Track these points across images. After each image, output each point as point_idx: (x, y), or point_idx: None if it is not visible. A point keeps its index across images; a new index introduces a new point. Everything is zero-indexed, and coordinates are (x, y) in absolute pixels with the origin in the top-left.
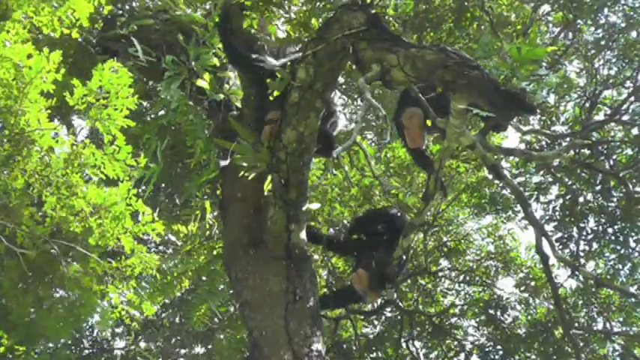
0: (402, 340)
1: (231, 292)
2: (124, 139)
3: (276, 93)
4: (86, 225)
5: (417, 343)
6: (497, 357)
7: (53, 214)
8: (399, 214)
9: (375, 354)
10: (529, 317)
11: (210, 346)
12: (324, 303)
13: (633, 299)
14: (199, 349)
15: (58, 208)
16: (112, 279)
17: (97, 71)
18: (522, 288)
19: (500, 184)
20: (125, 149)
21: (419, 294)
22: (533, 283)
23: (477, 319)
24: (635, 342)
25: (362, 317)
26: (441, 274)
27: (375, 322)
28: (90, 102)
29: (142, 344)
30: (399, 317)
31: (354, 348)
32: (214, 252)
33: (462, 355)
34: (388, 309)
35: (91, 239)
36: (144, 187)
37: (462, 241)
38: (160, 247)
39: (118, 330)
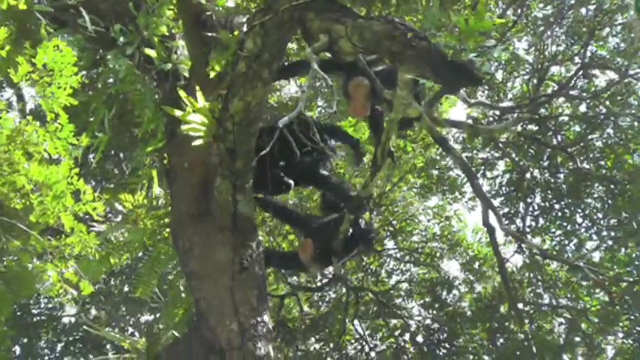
0: (347, 319)
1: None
2: (67, 117)
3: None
4: (27, 202)
5: (363, 324)
6: (442, 337)
7: None
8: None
9: (320, 334)
10: (474, 296)
11: (158, 315)
12: (268, 258)
13: (580, 274)
14: (147, 317)
15: (0, 185)
16: (52, 257)
17: (41, 49)
18: (467, 269)
19: (448, 165)
20: (67, 127)
21: (364, 274)
22: (477, 266)
23: (423, 300)
24: (582, 316)
25: (307, 296)
26: (386, 253)
27: (320, 303)
28: (34, 79)
29: (93, 312)
30: (344, 297)
31: (299, 327)
32: (161, 222)
33: (407, 335)
34: (333, 288)
35: (32, 216)
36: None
37: (408, 221)
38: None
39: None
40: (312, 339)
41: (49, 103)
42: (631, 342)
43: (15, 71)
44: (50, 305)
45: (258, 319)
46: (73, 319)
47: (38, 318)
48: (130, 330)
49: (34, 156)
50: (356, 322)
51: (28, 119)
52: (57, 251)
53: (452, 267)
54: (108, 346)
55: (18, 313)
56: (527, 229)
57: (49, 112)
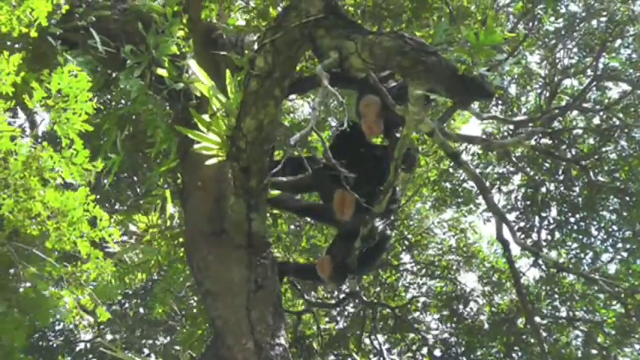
0: (365, 334)
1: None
2: (82, 142)
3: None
4: (43, 228)
5: (380, 338)
6: (460, 351)
7: (10, 216)
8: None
9: (337, 350)
10: (492, 309)
11: (174, 336)
12: (283, 269)
13: (595, 287)
14: (163, 340)
15: (16, 211)
16: (68, 284)
17: (56, 74)
18: (485, 281)
19: (461, 177)
20: (82, 153)
21: (381, 288)
22: (495, 277)
23: (440, 314)
24: (598, 328)
25: (324, 313)
26: (402, 267)
27: (338, 318)
28: (49, 105)
29: (109, 336)
30: (361, 312)
31: (317, 344)
32: (175, 242)
33: (425, 350)
34: (351, 303)
35: (48, 243)
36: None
37: (423, 234)
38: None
39: (84, 322)
40: (331, 355)
41: (64, 129)
42: None
43: (30, 97)
44: (66, 330)
45: (275, 337)
46: (89, 344)
47: (54, 342)
48: (147, 352)
49: (50, 182)
50: (373, 337)
51: (43, 145)
52: (73, 278)
53: (469, 279)
54: None
55: (34, 337)
56: (543, 243)
57: (64, 138)
